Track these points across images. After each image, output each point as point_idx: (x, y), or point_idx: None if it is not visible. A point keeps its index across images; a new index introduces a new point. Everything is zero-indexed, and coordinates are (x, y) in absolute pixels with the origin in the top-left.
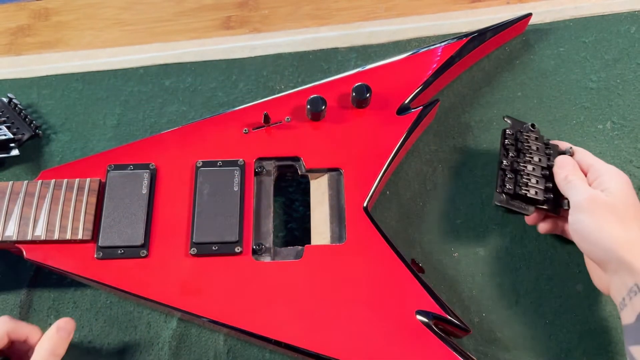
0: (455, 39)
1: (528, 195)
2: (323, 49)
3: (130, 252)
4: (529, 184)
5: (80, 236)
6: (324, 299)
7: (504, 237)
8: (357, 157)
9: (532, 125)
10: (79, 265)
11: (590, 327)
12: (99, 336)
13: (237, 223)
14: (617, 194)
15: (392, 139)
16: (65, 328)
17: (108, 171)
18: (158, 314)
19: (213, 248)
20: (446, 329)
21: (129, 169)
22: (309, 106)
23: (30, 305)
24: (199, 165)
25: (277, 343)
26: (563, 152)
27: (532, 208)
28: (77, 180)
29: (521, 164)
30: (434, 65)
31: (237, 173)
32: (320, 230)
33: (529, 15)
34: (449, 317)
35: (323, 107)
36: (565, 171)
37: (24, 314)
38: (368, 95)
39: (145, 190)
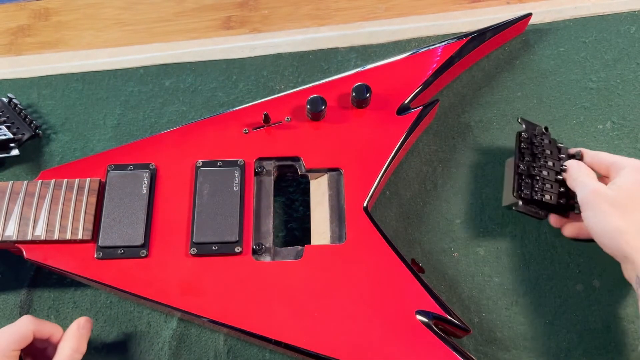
0: (455, 39)
1: (544, 200)
2: (323, 49)
3: (130, 252)
4: (545, 189)
5: (80, 236)
6: (324, 299)
7: (504, 237)
8: (357, 157)
9: (545, 128)
10: (79, 265)
11: (590, 327)
12: (99, 336)
13: (237, 223)
14: (623, 186)
15: (392, 139)
16: (85, 326)
17: (108, 171)
18: (158, 314)
19: (213, 248)
20: (446, 329)
21: (129, 169)
22: (309, 106)
23: (30, 305)
24: (199, 165)
25: (277, 343)
26: (573, 156)
27: (546, 213)
28: (77, 180)
29: (536, 169)
30: (434, 65)
31: (237, 173)
32: (320, 230)
33: (529, 15)
34: (449, 317)
35: (323, 107)
36: (572, 173)
37: (24, 314)
38: (368, 95)
39: (145, 190)
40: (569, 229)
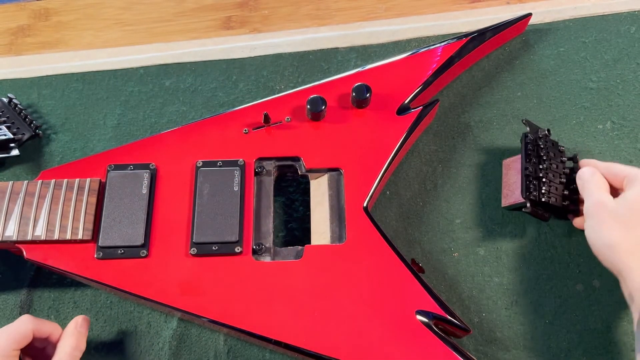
0: (455, 39)
1: (550, 202)
2: (323, 49)
3: (130, 252)
4: (551, 191)
5: (80, 236)
6: (324, 299)
7: (504, 237)
8: (357, 157)
9: (548, 131)
10: (79, 265)
11: (590, 327)
12: (99, 336)
13: (237, 223)
14: (629, 200)
15: (392, 139)
16: (83, 324)
17: (108, 171)
18: (158, 314)
19: (213, 248)
20: (446, 329)
21: (129, 169)
22: (309, 106)
23: (30, 305)
24: (199, 165)
25: (277, 343)
26: (572, 158)
27: (549, 214)
28: (77, 180)
29: (543, 171)
30: (434, 65)
31: (237, 173)
32: (320, 230)
33: (529, 15)
34: (449, 317)
35: (323, 107)
36: (583, 180)
37: (24, 314)
38: (368, 95)
39: (145, 190)
40: (581, 221)
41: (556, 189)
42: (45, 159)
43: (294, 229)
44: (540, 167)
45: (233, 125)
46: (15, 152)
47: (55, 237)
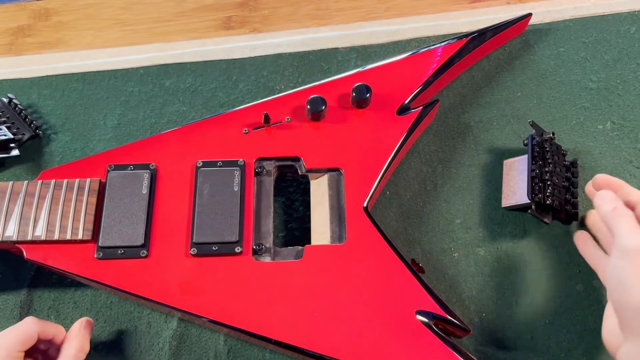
0: (455, 39)
1: (554, 205)
2: (323, 49)
3: (131, 252)
4: (555, 194)
5: (80, 236)
6: (324, 299)
7: (504, 237)
8: (357, 157)
9: (553, 134)
10: (79, 265)
11: (590, 327)
12: (99, 336)
13: (237, 223)
14: None
15: (392, 139)
16: (87, 326)
17: (108, 171)
18: (158, 314)
19: (213, 248)
20: (446, 329)
21: (129, 169)
22: (309, 106)
23: (30, 305)
24: (199, 165)
25: (277, 343)
26: (573, 163)
27: (549, 218)
28: (77, 180)
29: (548, 174)
30: (434, 66)
31: (237, 173)
32: (320, 230)
33: (529, 15)
34: (449, 317)
35: (323, 107)
36: (610, 203)
37: (24, 314)
38: (368, 95)
39: (145, 190)
40: (582, 242)
41: (559, 192)
42: (45, 159)
43: (294, 229)
44: (546, 169)
45: (233, 125)
46: (15, 152)
47: (56, 237)
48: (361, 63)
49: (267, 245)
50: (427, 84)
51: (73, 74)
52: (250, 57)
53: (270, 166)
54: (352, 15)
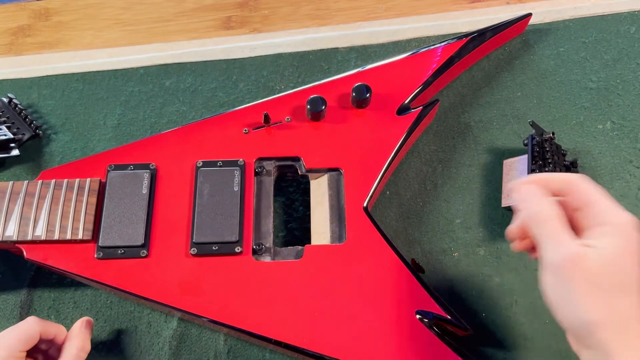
0: (455, 39)
1: None
2: (323, 49)
3: (131, 252)
4: None
5: (80, 236)
6: (324, 299)
7: (504, 237)
8: (357, 157)
9: (553, 134)
10: (79, 265)
11: None
12: (99, 336)
13: (237, 223)
14: (607, 257)
15: (392, 139)
16: (88, 326)
17: (108, 171)
18: (158, 314)
19: (213, 248)
20: (446, 329)
21: (129, 169)
22: (309, 106)
23: (30, 305)
24: (199, 165)
25: (277, 343)
26: (573, 163)
27: None
28: (77, 180)
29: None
30: (434, 65)
31: (237, 173)
32: (320, 230)
33: (529, 15)
34: (449, 317)
35: (323, 107)
36: (538, 216)
37: (24, 314)
38: (368, 95)
39: (145, 190)
40: (521, 246)
41: None
42: (45, 159)
43: (294, 229)
44: (546, 169)
45: (233, 125)
46: (15, 152)
47: (56, 237)
48: (361, 63)
49: (267, 245)
50: (427, 84)
51: (73, 74)
52: (250, 57)
53: (270, 166)
54: (352, 15)
